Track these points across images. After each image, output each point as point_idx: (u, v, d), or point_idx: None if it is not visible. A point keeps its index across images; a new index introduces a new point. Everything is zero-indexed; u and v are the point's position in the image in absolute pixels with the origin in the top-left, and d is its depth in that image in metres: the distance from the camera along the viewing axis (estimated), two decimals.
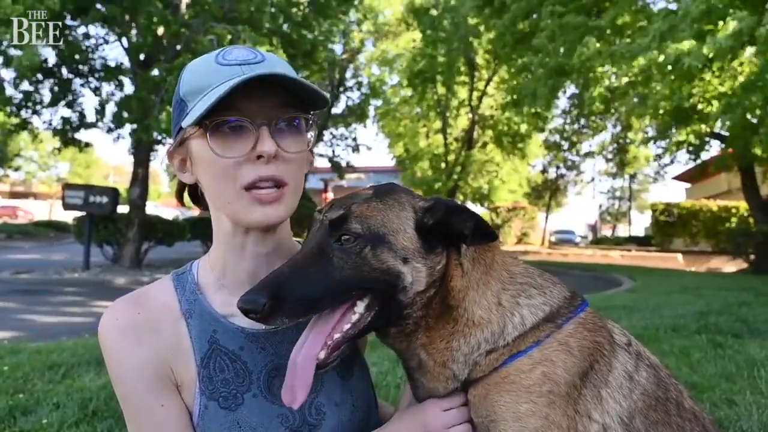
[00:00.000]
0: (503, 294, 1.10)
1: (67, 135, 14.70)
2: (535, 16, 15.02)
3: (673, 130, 15.05)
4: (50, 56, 13.57)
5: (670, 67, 9.86)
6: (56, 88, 14.03)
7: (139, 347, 1.08)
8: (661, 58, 9.69)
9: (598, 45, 11.60)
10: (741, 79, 10.46)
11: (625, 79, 10.71)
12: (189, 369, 1.11)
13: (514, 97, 18.30)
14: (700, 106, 11.62)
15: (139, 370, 1.08)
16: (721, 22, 9.13)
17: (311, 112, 1.13)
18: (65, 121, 14.55)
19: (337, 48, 23.57)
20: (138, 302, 1.13)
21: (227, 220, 1.13)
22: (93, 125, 14.33)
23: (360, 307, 1.03)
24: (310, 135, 1.14)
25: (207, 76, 1.05)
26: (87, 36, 14.20)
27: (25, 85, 13.44)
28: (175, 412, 1.10)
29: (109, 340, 1.09)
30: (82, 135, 15.04)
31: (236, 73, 1.03)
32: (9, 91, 13.22)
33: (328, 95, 1.09)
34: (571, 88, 19.06)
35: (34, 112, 14.03)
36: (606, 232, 52.52)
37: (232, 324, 1.14)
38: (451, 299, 1.07)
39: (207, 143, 1.05)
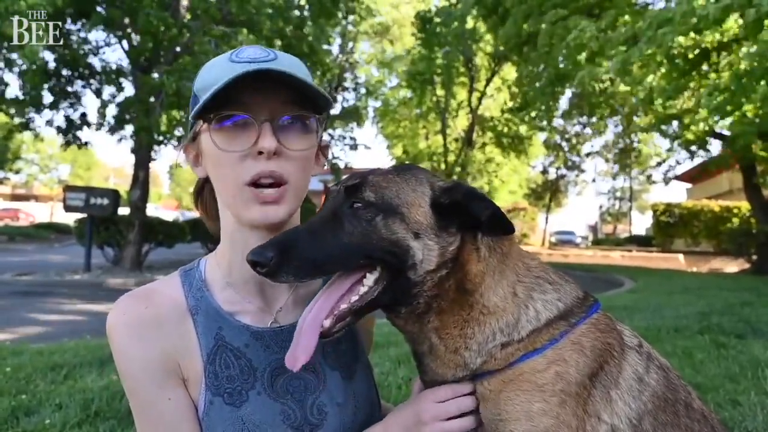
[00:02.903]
0: (518, 285, 1.10)
1: (69, 135, 14.69)
2: (533, 19, 15.02)
3: (675, 128, 15.04)
4: (51, 58, 13.56)
5: (665, 59, 9.85)
6: (57, 90, 14.03)
7: (147, 342, 1.08)
8: (656, 48, 9.64)
9: (593, 28, 11.53)
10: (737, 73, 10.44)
11: (619, 65, 10.61)
12: (195, 364, 1.12)
13: (518, 101, 18.35)
14: (694, 102, 11.62)
15: (146, 365, 1.08)
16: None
17: (320, 113, 1.13)
18: (68, 120, 14.54)
19: (334, 48, 23.59)
20: (145, 298, 1.13)
21: (232, 218, 1.13)
22: (98, 127, 14.32)
23: (369, 279, 1.02)
24: (317, 135, 1.14)
25: (218, 73, 1.05)
26: (86, 41, 14.18)
27: (27, 87, 13.42)
28: (181, 406, 1.10)
29: (116, 335, 1.09)
30: (84, 136, 15.13)
31: (245, 70, 1.03)
32: (13, 92, 13.24)
33: (329, 96, 1.09)
34: (569, 91, 19.07)
35: (37, 111, 14.01)
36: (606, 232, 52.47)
37: (238, 322, 1.15)
38: (467, 283, 1.07)
39: (210, 137, 1.07)
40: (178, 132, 14.48)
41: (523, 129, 26.42)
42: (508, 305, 1.08)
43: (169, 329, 1.11)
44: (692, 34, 9.33)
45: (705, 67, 11.21)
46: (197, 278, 1.19)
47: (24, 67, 10.44)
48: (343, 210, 1.03)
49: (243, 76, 0.99)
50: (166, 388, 1.09)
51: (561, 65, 13.43)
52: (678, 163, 21.54)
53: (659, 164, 23.00)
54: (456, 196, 1.05)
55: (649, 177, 37.92)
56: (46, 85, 13.71)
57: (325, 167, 1.27)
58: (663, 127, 15.19)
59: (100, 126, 14.26)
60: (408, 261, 1.01)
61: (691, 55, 10.45)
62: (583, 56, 11.86)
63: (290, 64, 1.08)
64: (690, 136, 14.16)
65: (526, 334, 1.06)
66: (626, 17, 11.52)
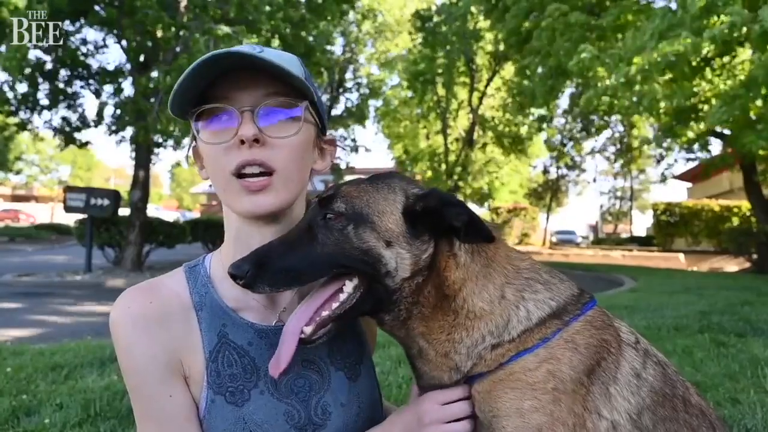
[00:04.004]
0: (507, 288, 1.09)
1: (67, 134, 14.67)
2: (534, 15, 15.01)
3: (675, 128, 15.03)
4: (47, 58, 13.54)
5: (667, 66, 9.85)
6: (56, 90, 14.01)
7: (151, 336, 1.07)
8: (657, 57, 9.66)
9: (592, 49, 11.58)
10: (741, 78, 10.43)
11: (622, 80, 10.63)
12: (197, 362, 1.10)
13: (517, 99, 18.34)
14: (699, 106, 11.60)
15: (149, 360, 1.07)
16: (715, 18, 9.13)
17: (310, 101, 1.11)
18: (66, 121, 14.53)
19: (337, 49, 23.59)
20: (150, 292, 1.12)
21: (235, 216, 1.13)
22: (95, 124, 14.35)
23: (349, 287, 1.04)
24: (304, 122, 1.10)
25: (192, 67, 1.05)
26: (84, 41, 14.17)
27: (24, 87, 13.40)
28: (183, 404, 1.09)
29: (121, 329, 1.08)
30: (83, 136, 15.07)
31: (211, 54, 1.02)
32: (8, 92, 13.20)
33: (302, 77, 1.06)
34: (571, 88, 19.04)
35: (34, 111, 13.99)
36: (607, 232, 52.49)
37: (242, 319, 1.14)
38: (446, 290, 1.07)
39: (196, 132, 1.08)
40: (177, 132, 14.48)
41: (523, 130, 26.45)
42: (496, 308, 1.08)
43: (174, 325, 1.10)
44: (692, 39, 9.33)
45: (708, 71, 11.23)
46: (202, 274, 1.18)
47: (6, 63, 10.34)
48: (317, 221, 1.05)
49: (208, 61, 0.99)
50: (168, 384, 1.08)
51: (562, 59, 13.41)
52: (677, 161, 21.53)
53: (659, 161, 23.02)
54: (430, 202, 1.05)
55: (642, 171, 37.71)
56: (46, 87, 13.70)
57: (333, 155, 1.25)
58: (666, 132, 15.19)
59: (98, 123, 14.25)
60: (381, 269, 1.02)
61: (694, 62, 10.45)
62: (584, 55, 11.87)
63: (276, 57, 1.06)
64: (689, 137, 14.15)
65: (517, 334, 1.06)
66: (627, 38, 11.52)
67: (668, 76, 10.72)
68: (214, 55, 0.99)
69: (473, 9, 20.90)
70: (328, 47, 18.53)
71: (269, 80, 1.05)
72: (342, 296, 1.04)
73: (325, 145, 1.23)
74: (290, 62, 1.09)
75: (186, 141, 15.05)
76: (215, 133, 1.06)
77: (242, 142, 1.03)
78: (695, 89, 11.15)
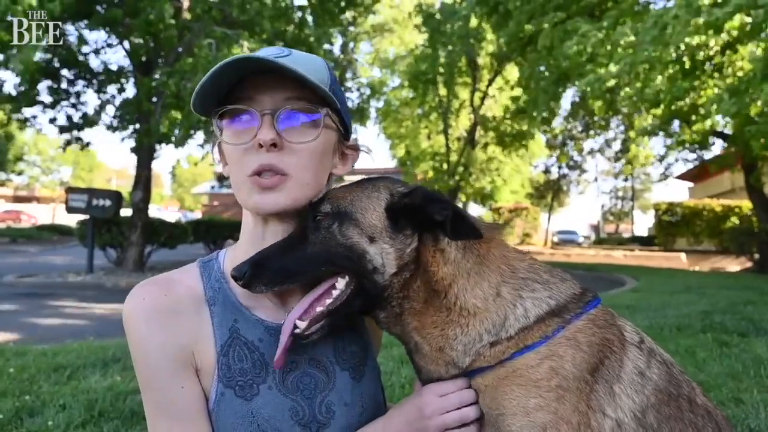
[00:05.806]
0: (503, 286, 1.10)
1: (70, 133, 14.69)
2: (535, 20, 15.00)
3: (676, 128, 15.00)
4: (49, 57, 13.56)
5: (672, 57, 9.82)
6: (57, 90, 14.02)
7: (164, 329, 1.09)
8: (658, 50, 9.62)
9: (596, 32, 11.53)
10: (740, 74, 10.39)
11: (627, 67, 10.55)
12: (208, 355, 1.12)
13: (520, 103, 18.35)
14: (700, 101, 11.56)
15: (163, 353, 1.08)
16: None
17: (332, 108, 1.13)
18: (69, 119, 14.55)
19: (336, 49, 23.57)
20: (164, 285, 1.14)
21: (250, 214, 1.16)
22: (95, 123, 14.40)
23: (341, 283, 1.08)
24: (324, 128, 1.11)
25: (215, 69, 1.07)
26: (83, 41, 14.18)
27: (24, 87, 13.40)
28: (193, 396, 1.11)
29: (135, 322, 1.09)
30: (86, 136, 15.20)
31: (230, 59, 1.04)
32: (9, 90, 13.21)
33: (326, 83, 1.09)
34: (571, 90, 19.02)
35: (37, 106, 14.00)
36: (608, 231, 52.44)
37: (253, 315, 1.16)
38: (436, 285, 1.09)
39: (218, 131, 1.11)
40: (178, 134, 14.48)
41: (524, 128, 26.40)
42: (491, 306, 1.08)
43: (187, 318, 1.12)
44: (698, 37, 9.28)
45: (708, 67, 11.19)
46: (216, 269, 1.20)
47: (21, 68, 10.40)
48: (309, 223, 1.11)
49: (233, 62, 1.01)
50: (180, 377, 1.10)
51: (564, 64, 13.39)
52: (677, 160, 21.49)
53: (660, 160, 22.97)
54: (414, 198, 1.07)
55: (648, 176, 37.61)
56: (46, 85, 13.70)
57: (354, 161, 1.27)
58: (665, 126, 15.16)
59: (96, 121, 14.28)
60: (367, 266, 1.05)
61: (698, 57, 10.41)
62: (585, 58, 11.84)
63: (301, 62, 1.08)
64: (691, 136, 14.11)
65: (515, 332, 1.06)
66: (628, 19, 11.45)
67: (670, 70, 10.67)
68: (240, 57, 1.02)
69: (476, 10, 20.89)
70: (329, 47, 18.51)
71: (292, 84, 1.07)
72: (335, 292, 1.07)
73: (348, 150, 1.24)
74: (315, 67, 1.11)
75: (186, 142, 15.11)
76: (236, 134, 1.09)
77: (260, 145, 1.06)
78: (695, 83, 11.12)
